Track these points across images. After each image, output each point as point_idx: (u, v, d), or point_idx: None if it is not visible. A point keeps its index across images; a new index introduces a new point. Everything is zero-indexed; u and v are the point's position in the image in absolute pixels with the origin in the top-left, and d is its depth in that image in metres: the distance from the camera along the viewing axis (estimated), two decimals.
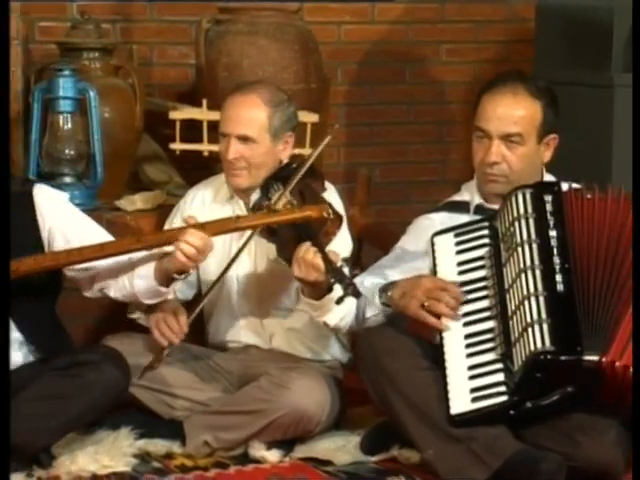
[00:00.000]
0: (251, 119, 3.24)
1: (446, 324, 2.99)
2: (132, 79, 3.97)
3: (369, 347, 3.09)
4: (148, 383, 3.27)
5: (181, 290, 3.38)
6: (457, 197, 3.30)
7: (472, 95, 3.27)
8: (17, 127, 3.82)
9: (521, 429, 2.96)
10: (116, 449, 3.13)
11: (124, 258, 3.12)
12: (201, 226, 3.05)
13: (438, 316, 3.01)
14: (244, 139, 3.24)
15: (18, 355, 3.12)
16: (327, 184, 3.25)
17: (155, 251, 3.13)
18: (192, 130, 3.89)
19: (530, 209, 3.02)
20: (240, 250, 3.21)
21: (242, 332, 3.37)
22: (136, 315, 3.33)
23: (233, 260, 3.22)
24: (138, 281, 3.11)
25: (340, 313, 3.11)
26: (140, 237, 3.17)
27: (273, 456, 3.15)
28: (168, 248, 3.08)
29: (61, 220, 3.16)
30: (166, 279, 3.09)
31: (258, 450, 3.16)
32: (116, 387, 3.07)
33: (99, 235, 3.17)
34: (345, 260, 2.95)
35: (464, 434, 2.92)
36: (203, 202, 3.42)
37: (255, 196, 3.21)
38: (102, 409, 3.10)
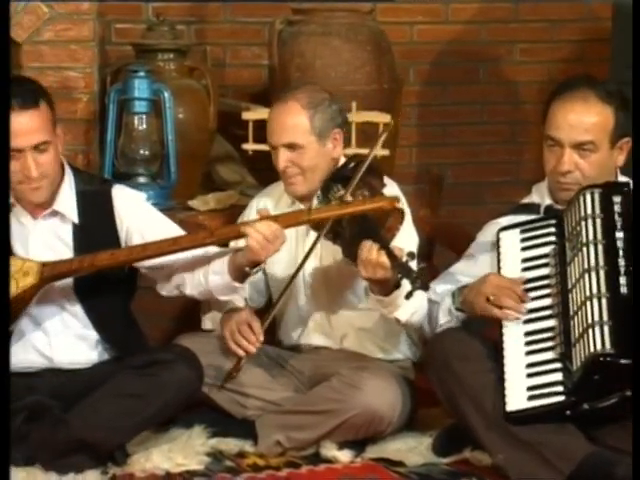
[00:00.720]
0: (293, 126, 3.25)
1: (509, 315, 2.98)
2: (206, 80, 4.00)
3: (439, 350, 3.08)
4: (221, 383, 3.29)
5: (252, 298, 3.39)
6: (527, 200, 3.27)
7: (546, 95, 3.23)
8: (93, 128, 3.86)
9: (592, 430, 2.94)
10: (189, 447, 3.15)
11: (199, 253, 3.14)
12: (274, 218, 3.06)
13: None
14: (291, 146, 3.25)
15: (94, 353, 3.16)
16: (386, 180, 3.24)
17: (230, 246, 3.15)
18: (264, 131, 3.89)
19: (598, 209, 2.98)
20: (307, 255, 3.22)
21: (312, 335, 3.37)
22: (210, 327, 3.36)
23: (301, 265, 3.23)
24: (213, 277, 3.12)
25: (411, 308, 3.10)
26: (214, 231, 3.20)
27: (345, 456, 3.16)
28: (241, 243, 3.09)
29: (138, 220, 3.20)
30: (240, 274, 3.10)
31: (330, 450, 3.17)
32: (189, 386, 3.09)
33: (176, 234, 3.19)
34: (410, 254, 2.93)
35: (533, 439, 2.90)
36: (266, 208, 3.42)
37: (316, 200, 3.22)
38: (175, 408, 3.13)
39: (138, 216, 3.20)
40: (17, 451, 2.98)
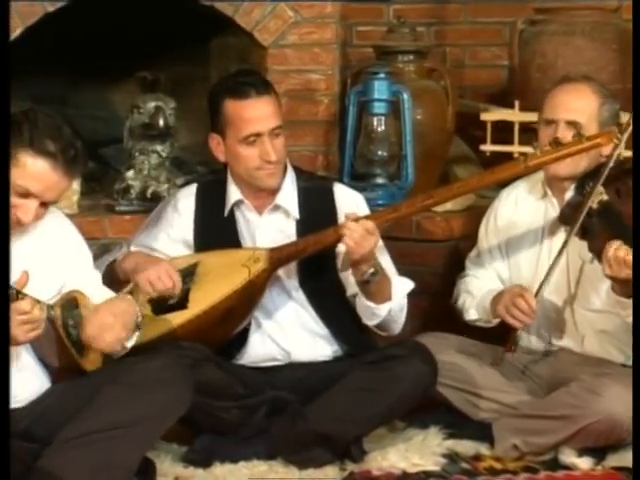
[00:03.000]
0: (583, 107, 3.22)
1: None
2: (445, 81, 4.00)
3: None
4: (456, 383, 3.27)
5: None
6: None
7: None
8: (333, 129, 3.93)
9: None
10: (425, 448, 3.16)
11: None
12: (490, 172, 3.13)
13: None
14: (574, 125, 3.19)
15: (329, 349, 3.21)
16: None
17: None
18: (503, 132, 3.88)
19: None
20: (560, 252, 3.16)
21: (554, 332, 3.32)
22: (474, 317, 3.36)
23: (554, 263, 3.17)
24: (357, 300, 3.14)
25: None
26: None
27: (584, 463, 3.09)
28: None
29: None
30: (365, 289, 3.09)
31: (568, 456, 3.11)
32: (424, 381, 3.09)
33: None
34: None
35: None
36: (516, 200, 3.39)
37: (569, 194, 3.18)
38: (410, 403, 3.12)
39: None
40: (259, 445, 3.07)
